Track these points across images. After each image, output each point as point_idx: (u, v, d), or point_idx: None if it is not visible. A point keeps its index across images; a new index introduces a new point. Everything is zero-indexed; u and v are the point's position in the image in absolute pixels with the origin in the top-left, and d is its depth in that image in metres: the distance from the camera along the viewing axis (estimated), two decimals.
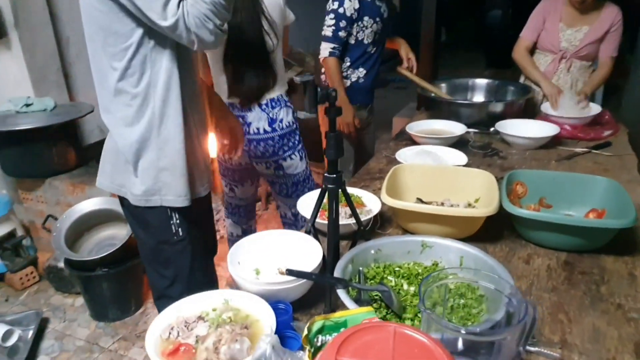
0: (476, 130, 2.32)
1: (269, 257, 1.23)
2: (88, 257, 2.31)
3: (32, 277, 2.80)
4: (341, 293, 0.99)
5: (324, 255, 1.18)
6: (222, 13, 1.20)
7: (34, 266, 2.82)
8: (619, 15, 2.43)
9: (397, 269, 1.18)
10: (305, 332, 0.74)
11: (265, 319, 0.99)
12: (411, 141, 2.22)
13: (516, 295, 0.76)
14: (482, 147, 2.17)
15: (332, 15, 2.29)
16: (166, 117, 1.33)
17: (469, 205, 1.54)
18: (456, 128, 2.22)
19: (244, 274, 1.15)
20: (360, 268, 1.13)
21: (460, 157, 1.87)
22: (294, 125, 2.09)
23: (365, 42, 2.39)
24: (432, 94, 2.58)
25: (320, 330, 0.78)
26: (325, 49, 2.32)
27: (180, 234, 1.47)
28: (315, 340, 0.77)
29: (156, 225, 1.46)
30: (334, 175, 1.11)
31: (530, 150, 2.12)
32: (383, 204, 1.42)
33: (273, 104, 2.01)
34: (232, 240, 2.46)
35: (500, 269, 1.05)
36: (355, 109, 2.51)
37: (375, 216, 1.45)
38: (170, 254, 1.49)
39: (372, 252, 1.18)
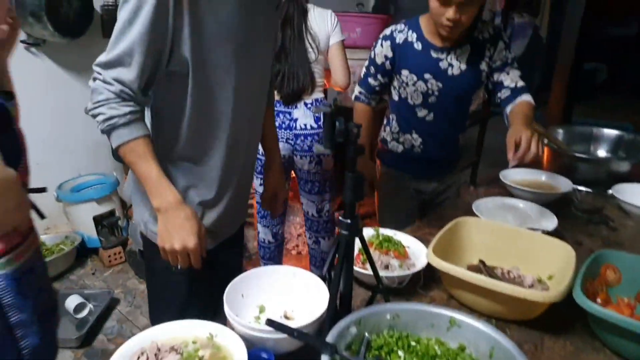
0: (589, 190, 1.97)
1: (276, 295, 1.12)
2: None
3: (119, 256, 3.01)
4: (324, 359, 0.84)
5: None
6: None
7: (123, 247, 3.03)
8: None
9: (413, 343, 0.99)
10: None
11: None
12: (505, 191, 1.94)
13: None
14: (589, 210, 1.82)
15: (368, 57, 1.87)
16: None
17: (539, 281, 1.27)
18: (561, 183, 1.90)
19: (237, 313, 1.04)
20: (367, 334, 0.96)
21: (550, 220, 1.57)
22: None
23: (410, 102, 1.80)
24: (545, 141, 2.25)
25: None
26: (355, 90, 1.93)
27: (179, 267, 1.22)
28: None
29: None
30: (349, 221, 0.96)
31: None
32: None
33: (317, 103, 2.28)
34: (264, 246, 2.46)
35: None
36: (408, 179, 1.97)
37: (419, 273, 1.26)
38: (169, 282, 1.36)
39: (388, 317, 1.00)
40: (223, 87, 1.19)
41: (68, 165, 3.16)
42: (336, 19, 2.28)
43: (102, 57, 1.07)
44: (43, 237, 2.97)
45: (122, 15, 1.05)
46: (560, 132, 2.36)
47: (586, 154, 2.25)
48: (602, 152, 2.31)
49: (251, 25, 1.20)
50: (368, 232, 1.41)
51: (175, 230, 1.14)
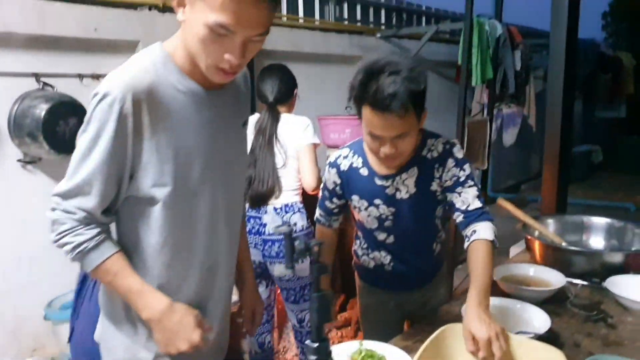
0: (584, 283, 1.90)
1: None
2: None
3: None
4: None
5: None
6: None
7: None
8: None
9: None
10: None
11: None
12: (498, 289, 1.86)
13: None
14: (586, 306, 1.74)
15: None
16: None
17: None
18: (553, 277, 1.85)
19: None
20: None
21: (543, 321, 1.50)
22: (308, 230, 2.32)
23: (367, 227, 1.69)
24: (536, 232, 2.22)
25: None
26: (316, 212, 1.81)
27: None
28: None
29: None
30: (317, 345, 0.92)
31: None
32: None
33: (287, 209, 2.29)
34: (252, 358, 2.33)
35: None
36: (386, 293, 1.84)
37: None
38: None
39: None
40: (193, 211, 1.16)
41: (59, 281, 3.10)
42: (308, 124, 2.34)
43: (62, 187, 1.07)
44: None
45: (81, 143, 1.05)
46: (550, 223, 2.33)
47: (578, 244, 2.21)
48: (595, 241, 2.26)
49: (217, 145, 1.18)
50: (352, 346, 1.35)
51: (176, 334, 1.11)
